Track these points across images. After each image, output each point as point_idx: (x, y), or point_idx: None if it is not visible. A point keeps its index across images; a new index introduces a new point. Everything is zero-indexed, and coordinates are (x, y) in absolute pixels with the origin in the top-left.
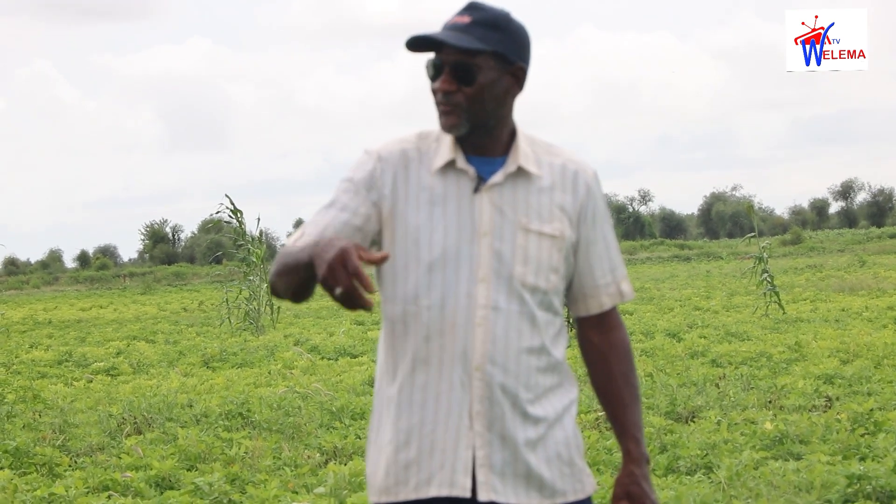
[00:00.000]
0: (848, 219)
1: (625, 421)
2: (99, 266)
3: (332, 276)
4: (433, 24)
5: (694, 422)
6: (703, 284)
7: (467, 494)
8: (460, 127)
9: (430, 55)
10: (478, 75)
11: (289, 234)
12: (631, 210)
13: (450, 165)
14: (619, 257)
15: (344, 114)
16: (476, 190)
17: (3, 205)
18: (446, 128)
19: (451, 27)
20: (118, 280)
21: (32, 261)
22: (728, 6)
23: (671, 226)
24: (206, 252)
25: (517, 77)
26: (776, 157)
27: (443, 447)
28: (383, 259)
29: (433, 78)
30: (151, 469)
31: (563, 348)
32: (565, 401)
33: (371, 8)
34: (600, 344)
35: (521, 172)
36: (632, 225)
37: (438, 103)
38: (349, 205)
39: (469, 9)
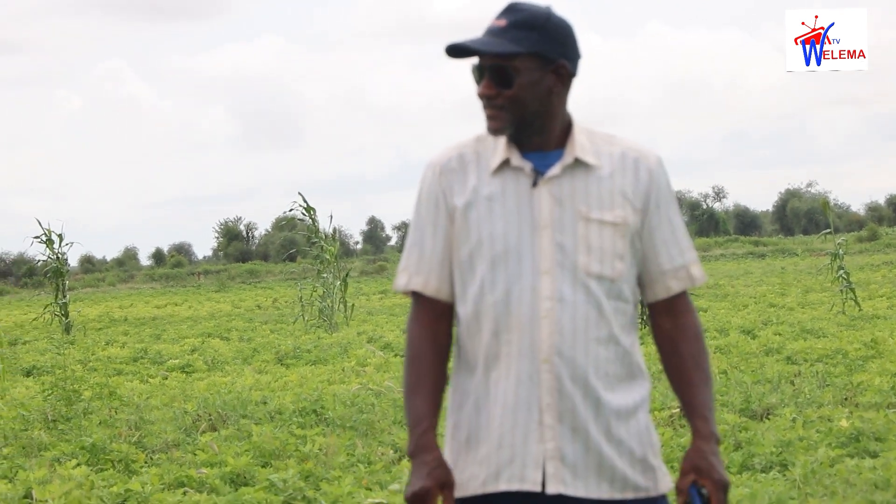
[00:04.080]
0: None
1: (694, 401)
2: (174, 264)
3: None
4: None
5: (769, 419)
6: (777, 281)
7: (537, 488)
8: (504, 129)
9: (475, 60)
10: (516, 77)
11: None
12: (705, 207)
13: (506, 164)
14: (688, 241)
15: (416, 111)
16: (534, 184)
17: (78, 203)
18: (491, 130)
19: (488, 31)
20: (193, 278)
21: (108, 258)
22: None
23: (745, 222)
24: (279, 250)
25: (560, 74)
26: (851, 153)
27: (511, 442)
28: None
29: (478, 82)
30: (226, 465)
31: (634, 337)
32: (637, 396)
33: (440, 5)
34: (670, 329)
35: (578, 163)
36: (706, 222)
37: (483, 107)
38: (437, 231)
39: (506, 11)
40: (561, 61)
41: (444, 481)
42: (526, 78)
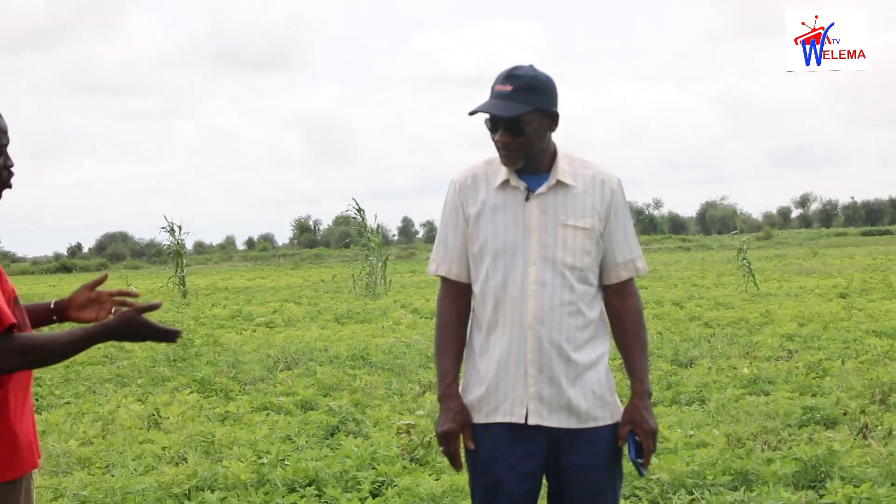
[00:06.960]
0: (805, 222)
1: (633, 365)
2: (261, 248)
3: (441, 442)
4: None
5: (692, 367)
6: (699, 268)
7: (522, 421)
8: (518, 164)
9: (487, 115)
10: (526, 129)
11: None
12: (647, 213)
13: (506, 183)
14: (636, 242)
15: (438, 140)
16: (527, 199)
17: (193, 203)
18: (508, 165)
19: (498, 95)
20: (275, 259)
21: (214, 244)
22: (715, 65)
23: (676, 225)
24: (338, 239)
25: (552, 118)
26: (753, 176)
27: (505, 387)
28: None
29: (492, 130)
30: (298, 395)
31: (598, 310)
32: (598, 351)
33: (455, 65)
34: (618, 307)
35: (560, 184)
36: (647, 224)
37: (499, 149)
38: (457, 231)
39: (509, 78)
40: (554, 110)
41: (465, 422)
42: (532, 127)
